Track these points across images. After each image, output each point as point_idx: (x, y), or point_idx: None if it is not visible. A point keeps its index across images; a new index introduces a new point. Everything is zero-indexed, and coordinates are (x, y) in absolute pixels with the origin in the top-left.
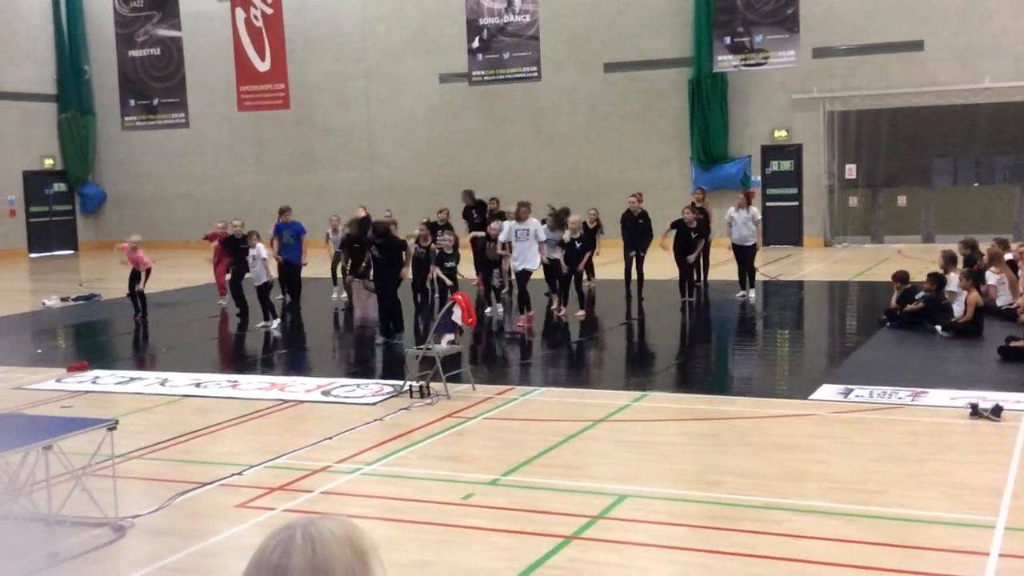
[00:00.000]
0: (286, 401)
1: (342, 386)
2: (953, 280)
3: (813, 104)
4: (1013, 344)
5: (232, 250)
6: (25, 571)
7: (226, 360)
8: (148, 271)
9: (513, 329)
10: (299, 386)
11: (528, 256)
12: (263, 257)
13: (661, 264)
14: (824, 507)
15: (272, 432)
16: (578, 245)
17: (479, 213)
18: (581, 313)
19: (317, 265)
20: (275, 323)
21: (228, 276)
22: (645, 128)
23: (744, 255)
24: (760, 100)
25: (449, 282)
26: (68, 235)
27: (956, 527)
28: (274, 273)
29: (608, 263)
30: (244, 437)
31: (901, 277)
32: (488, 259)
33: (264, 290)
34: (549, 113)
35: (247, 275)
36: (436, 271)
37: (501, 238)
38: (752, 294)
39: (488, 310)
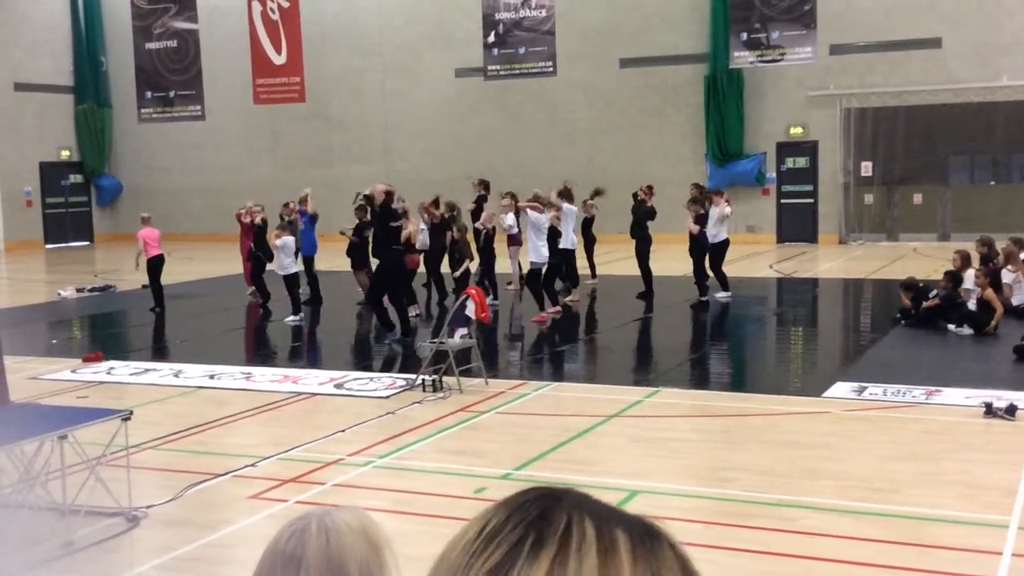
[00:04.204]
0: (299, 393)
1: (355, 379)
2: (969, 278)
3: (829, 101)
4: None
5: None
6: (40, 560)
7: (240, 352)
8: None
9: (527, 324)
10: (312, 379)
11: (530, 252)
12: (284, 251)
13: (673, 261)
14: (837, 505)
15: (285, 424)
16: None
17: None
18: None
19: (333, 258)
20: (294, 318)
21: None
22: (660, 124)
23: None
24: (776, 97)
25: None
26: (84, 226)
27: (969, 526)
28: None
29: (609, 260)
30: (257, 429)
31: (910, 285)
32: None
33: (291, 280)
34: (564, 108)
35: (269, 266)
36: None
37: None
38: (718, 296)
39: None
